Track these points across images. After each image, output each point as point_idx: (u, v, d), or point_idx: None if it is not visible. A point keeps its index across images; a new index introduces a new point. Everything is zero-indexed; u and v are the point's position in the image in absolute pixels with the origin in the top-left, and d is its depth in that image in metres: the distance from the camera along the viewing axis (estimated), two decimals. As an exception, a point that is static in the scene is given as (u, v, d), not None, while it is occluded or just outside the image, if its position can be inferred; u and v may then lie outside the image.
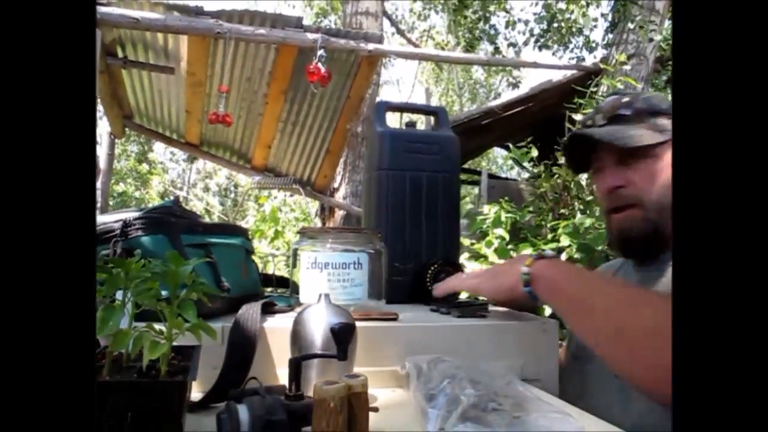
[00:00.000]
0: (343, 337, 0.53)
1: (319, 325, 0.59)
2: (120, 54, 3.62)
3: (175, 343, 0.57)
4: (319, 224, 5.34)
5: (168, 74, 3.68)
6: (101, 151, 4.56)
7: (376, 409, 0.53)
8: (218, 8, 3.24)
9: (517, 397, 0.61)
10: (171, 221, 0.72)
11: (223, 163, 4.94)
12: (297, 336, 0.62)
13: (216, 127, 3.85)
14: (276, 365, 0.72)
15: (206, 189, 14.53)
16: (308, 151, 4.50)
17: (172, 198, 0.85)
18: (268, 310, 0.81)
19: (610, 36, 5.81)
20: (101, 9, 3.01)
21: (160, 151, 13.55)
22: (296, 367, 0.53)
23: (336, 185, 4.85)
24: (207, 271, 0.75)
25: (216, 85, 3.68)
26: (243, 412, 0.48)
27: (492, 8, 8.05)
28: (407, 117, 1.26)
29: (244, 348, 0.62)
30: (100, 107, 4.26)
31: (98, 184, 4.24)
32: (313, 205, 7.29)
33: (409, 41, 9.11)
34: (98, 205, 4.16)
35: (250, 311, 0.68)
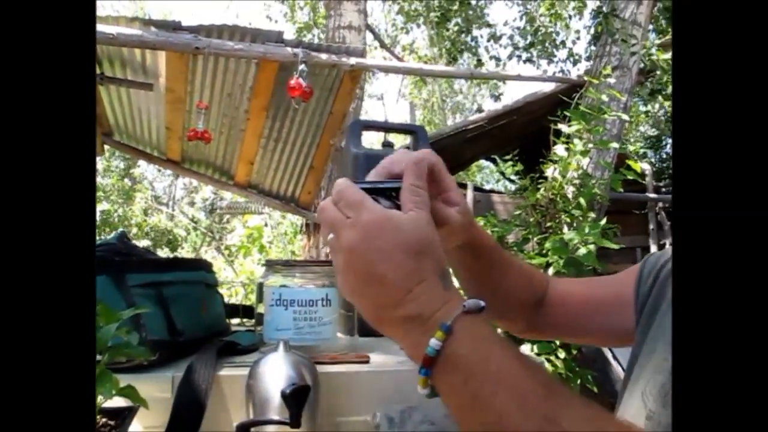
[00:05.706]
0: (295, 402, 0.46)
1: (273, 382, 0.53)
2: (96, 70, 3.54)
3: (112, 405, 0.50)
4: (303, 241, 5.27)
5: (147, 91, 3.61)
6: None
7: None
8: (197, 23, 3.18)
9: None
10: (114, 260, 0.65)
11: (205, 180, 4.84)
12: (251, 393, 0.55)
13: (197, 143, 3.77)
14: (231, 418, 0.65)
15: (191, 203, 14.41)
16: (291, 168, 4.43)
17: (117, 233, 0.78)
18: (228, 352, 0.74)
19: (594, 48, 5.82)
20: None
21: (144, 166, 13.41)
22: (244, 436, 0.47)
23: (320, 201, 4.78)
24: (158, 315, 0.68)
25: (196, 102, 3.61)
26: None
27: (474, 23, 8.10)
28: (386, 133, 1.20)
29: (191, 409, 0.55)
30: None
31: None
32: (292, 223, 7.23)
33: (393, 55, 9.11)
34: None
35: (202, 363, 0.61)
